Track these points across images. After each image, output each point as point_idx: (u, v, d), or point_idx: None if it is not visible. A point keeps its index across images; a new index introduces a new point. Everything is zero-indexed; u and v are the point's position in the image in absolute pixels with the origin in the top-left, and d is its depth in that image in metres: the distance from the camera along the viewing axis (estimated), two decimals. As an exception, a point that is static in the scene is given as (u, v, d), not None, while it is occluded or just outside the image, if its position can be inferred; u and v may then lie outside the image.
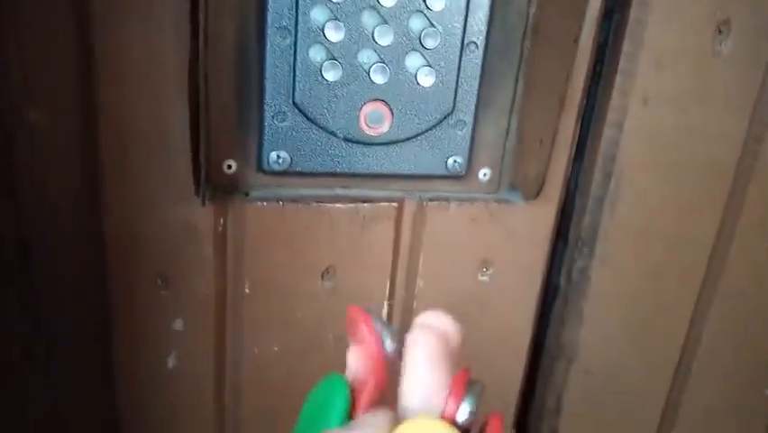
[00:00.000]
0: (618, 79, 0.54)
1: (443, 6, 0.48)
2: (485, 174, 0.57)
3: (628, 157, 0.56)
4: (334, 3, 0.46)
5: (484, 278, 0.58)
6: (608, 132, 0.55)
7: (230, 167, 0.50)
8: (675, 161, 0.57)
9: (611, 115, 0.55)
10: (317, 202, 0.51)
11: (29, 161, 0.44)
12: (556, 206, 0.58)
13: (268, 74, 0.47)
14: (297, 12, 0.46)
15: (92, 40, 0.43)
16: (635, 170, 0.56)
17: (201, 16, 0.42)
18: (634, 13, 0.52)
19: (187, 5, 0.43)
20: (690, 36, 0.53)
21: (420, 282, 0.56)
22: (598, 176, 0.57)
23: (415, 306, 0.57)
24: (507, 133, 0.56)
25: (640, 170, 0.56)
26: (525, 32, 0.53)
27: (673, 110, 0.55)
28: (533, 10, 0.53)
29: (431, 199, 0.55)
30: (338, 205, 0.52)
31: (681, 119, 0.55)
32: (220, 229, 0.50)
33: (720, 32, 0.54)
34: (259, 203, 0.50)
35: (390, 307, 0.57)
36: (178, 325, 0.52)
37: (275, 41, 0.46)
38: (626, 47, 0.53)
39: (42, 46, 0.42)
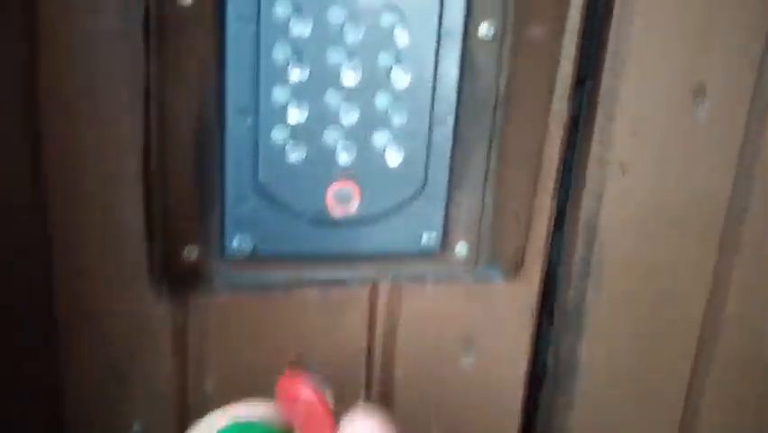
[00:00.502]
0: (594, 148, 0.52)
1: (408, 84, 0.47)
2: (461, 249, 0.54)
3: (610, 227, 0.53)
4: (296, 83, 0.44)
5: (467, 360, 0.54)
6: (586, 202, 0.53)
7: (190, 254, 0.47)
8: (658, 228, 0.55)
9: (589, 185, 0.53)
10: (285, 289, 0.48)
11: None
12: (538, 281, 0.55)
13: (228, 156, 0.45)
14: (257, 92, 0.44)
15: (40, 126, 0.41)
16: (618, 239, 0.54)
17: (154, 99, 0.41)
18: (606, 80, 0.51)
19: (141, 86, 0.41)
20: (665, 102, 0.52)
21: (398, 369, 0.53)
22: (579, 248, 0.54)
23: (394, 394, 0.53)
24: (483, 207, 0.54)
25: (623, 240, 0.54)
26: (495, 104, 0.52)
27: (653, 176, 0.53)
28: (502, 81, 0.51)
29: (406, 279, 0.52)
30: (307, 290, 0.49)
31: (662, 185, 0.54)
32: (179, 322, 0.46)
33: (696, 96, 0.53)
34: (222, 293, 0.47)
35: (367, 396, 0.53)
36: (136, 427, 0.47)
37: (235, 123, 0.44)
38: (600, 115, 0.52)
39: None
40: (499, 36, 0.50)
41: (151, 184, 0.42)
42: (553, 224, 0.55)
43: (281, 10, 0.43)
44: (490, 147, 0.53)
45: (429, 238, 0.52)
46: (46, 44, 0.39)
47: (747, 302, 0.59)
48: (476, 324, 0.54)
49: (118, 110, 0.41)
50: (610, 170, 0.52)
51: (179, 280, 0.46)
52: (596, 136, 0.52)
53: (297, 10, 0.43)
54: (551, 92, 0.50)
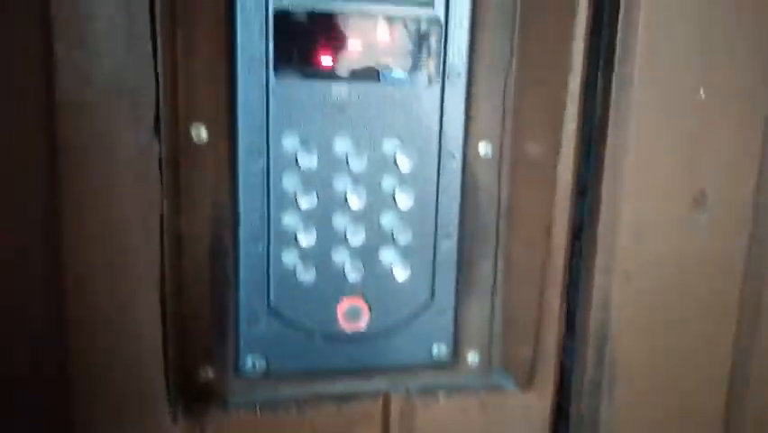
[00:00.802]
0: (599, 257, 0.53)
1: (412, 204, 0.49)
2: (473, 358, 0.55)
3: (620, 334, 0.53)
4: (304, 210, 0.47)
5: (483, 474, 0.54)
6: (595, 310, 0.53)
7: (206, 373, 0.49)
8: (671, 333, 0.55)
9: (596, 294, 0.53)
10: (299, 405, 0.49)
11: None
12: (552, 388, 0.55)
13: (242, 280, 0.47)
14: (268, 219, 0.47)
15: (62, 256, 0.43)
16: (630, 346, 0.54)
17: (169, 231, 0.43)
18: (606, 190, 0.53)
19: (156, 220, 0.44)
20: (666, 209, 0.53)
21: (414, 483, 0.52)
22: (591, 355, 0.54)
23: (411, 509, 0.53)
24: (492, 315, 0.55)
25: (635, 346, 0.54)
26: (498, 217, 0.54)
27: (659, 281, 0.54)
28: (504, 196, 0.53)
29: (418, 391, 0.52)
30: (321, 405, 0.50)
31: (669, 289, 0.54)
32: (195, 442, 0.47)
33: (697, 202, 0.54)
34: (237, 411, 0.48)
35: None
36: None
37: (248, 248, 0.47)
38: (602, 225, 0.53)
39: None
40: (498, 153, 0.52)
41: (168, 310, 0.44)
42: (563, 331, 0.55)
43: (289, 144, 0.46)
44: (496, 258, 0.54)
45: (440, 350, 0.52)
46: (67, 190, 0.42)
47: (764, 397, 0.58)
48: (490, 435, 0.53)
49: (135, 241, 0.44)
50: (615, 277, 0.53)
51: (195, 399, 0.48)
52: (599, 245, 0.53)
53: (304, 143, 0.46)
54: (551, 204, 0.52)
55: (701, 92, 0.51)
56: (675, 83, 0.50)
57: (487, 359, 0.55)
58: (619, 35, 0.49)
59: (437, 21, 0.47)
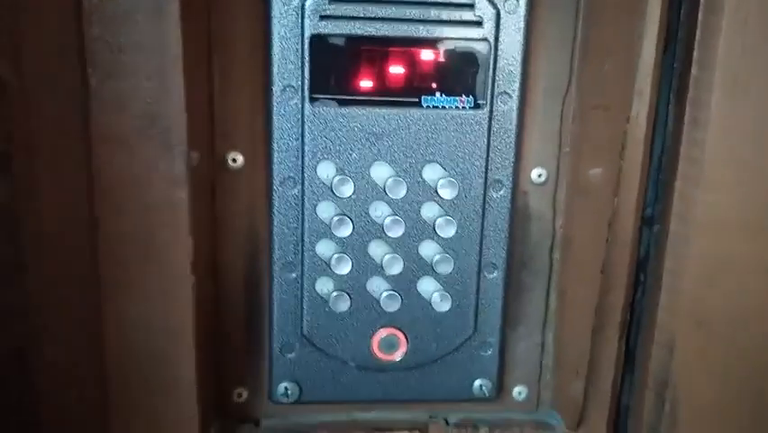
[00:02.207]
0: (664, 297, 0.48)
1: (454, 233, 0.46)
2: (520, 393, 0.52)
3: (684, 382, 0.49)
4: (340, 237, 0.46)
5: None
6: (657, 353, 0.49)
7: (240, 395, 0.49)
8: (742, 385, 0.49)
9: (659, 336, 0.48)
10: (330, 432, 0.49)
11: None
12: (605, 431, 0.51)
13: (275, 307, 0.47)
14: (302, 247, 0.46)
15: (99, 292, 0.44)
16: (694, 395, 0.49)
17: (205, 257, 0.43)
18: (675, 221, 0.47)
19: (190, 248, 0.43)
20: (746, 246, 0.47)
21: None
22: (650, 400, 0.50)
23: None
24: (543, 349, 0.52)
25: (699, 396, 0.49)
26: (551, 247, 0.50)
27: (732, 329, 0.48)
28: (558, 224, 0.50)
29: (457, 425, 0.50)
30: (353, 434, 0.49)
31: (744, 338, 0.48)
32: (227, 464, 0.48)
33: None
34: (269, 433, 0.48)
35: None
36: None
37: (282, 276, 0.46)
38: (669, 261, 0.48)
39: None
40: (553, 180, 0.49)
41: (204, 333, 0.45)
42: (621, 371, 0.51)
43: (324, 172, 0.44)
44: (549, 291, 0.51)
45: (483, 385, 0.50)
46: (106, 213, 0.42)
47: None
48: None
49: (173, 273, 0.44)
50: (682, 321, 0.48)
51: (230, 419, 0.48)
52: (665, 283, 0.48)
53: (340, 171, 0.44)
54: (612, 235, 0.47)
55: (793, 117, 0.45)
56: (760, 107, 0.44)
57: (535, 395, 0.52)
58: (696, 55, 0.43)
59: (486, 41, 0.43)
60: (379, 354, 0.48)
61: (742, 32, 0.42)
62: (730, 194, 0.46)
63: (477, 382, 0.50)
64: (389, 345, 0.48)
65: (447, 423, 0.50)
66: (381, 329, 0.48)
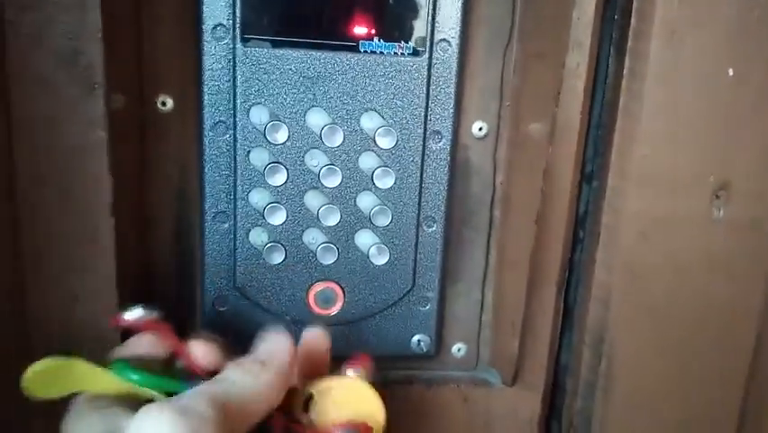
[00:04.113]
0: (600, 252, 0.48)
1: (393, 184, 0.45)
2: (459, 349, 0.52)
3: (620, 337, 0.49)
4: (274, 186, 0.44)
5: (464, 473, 0.51)
6: (593, 309, 0.49)
7: (173, 352, 0.47)
8: (677, 338, 0.50)
9: (596, 292, 0.49)
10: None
11: None
12: (542, 390, 0.51)
13: (207, 258, 0.45)
14: (234, 196, 0.44)
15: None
16: (630, 350, 0.49)
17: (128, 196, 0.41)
18: (612, 178, 0.47)
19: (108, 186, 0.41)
20: (681, 202, 0.47)
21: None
22: (587, 357, 0.50)
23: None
24: (483, 306, 0.51)
25: (636, 351, 0.49)
26: (492, 202, 0.49)
27: (665, 282, 0.48)
28: (499, 179, 0.49)
29: (394, 381, 0.50)
30: (288, 391, 0.48)
31: (678, 292, 0.49)
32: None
33: (717, 197, 0.48)
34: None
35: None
36: None
37: (213, 226, 0.45)
38: (607, 216, 0.48)
39: None
40: (494, 134, 0.48)
41: (133, 288, 0.43)
42: (558, 328, 0.51)
43: (258, 117, 0.43)
44: (488, 247, 0.50)
45: (421, 340, 0.49)
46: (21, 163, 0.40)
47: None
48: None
49: (95, 219, 0.42)
50: (617, 274, 0.48)
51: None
52: (602, 239, 0.48)
53: (274, 117, 0.43)
54: (551, 191, 0.47)
55: (730, 71, 0.45)
56: (699, 60, 0.44)
57: (475, 352, 0.52)
58: (635, 4, 0.43)
59: (425, -16, 0.42)
60: (316, 309, 0.47)
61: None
62: (666, 148, 0.46)
63: (415, 338, 0.49)
64: (326, 300, 0.47)
65: (384, 380, 0.50)
66: (317, 283, 0.47)
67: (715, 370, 0.50)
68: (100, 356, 0.34)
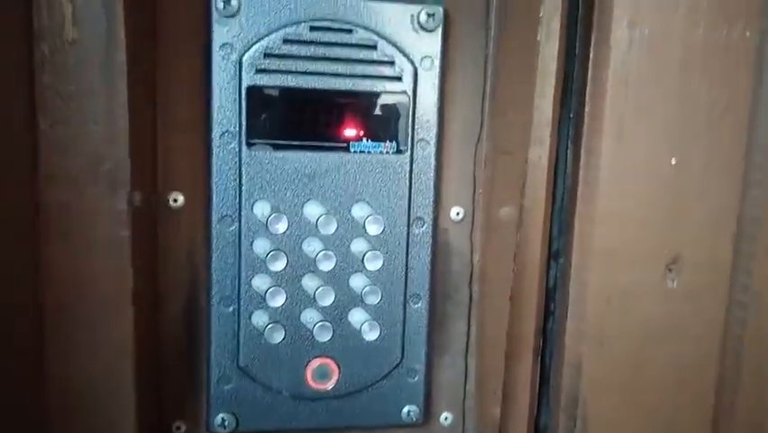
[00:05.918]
0: (570, 323, 0.53)
1: (381, 266, 0.50)
2: (446, 418, 0.55)
3: (592, 400, 0.53)
4: (275, 271, 0.49)
5: None
6: (567, 375, 0.54)
7: (179, 428, 0.50)
8: (646, 399, 0.54)
9: (568, 358, 0.53)
10: (266, 462, 0.51)
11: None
12: (525, 451, 0.55)
13: (213, 340, 0.49)
14: (239, 282, 0.49)
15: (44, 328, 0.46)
16: (602, 412, 0.53)
17: (144, 283, 0.45)
18: (576, 255, 0.53)
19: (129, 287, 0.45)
20: (638, 274, 0.53)
21: None
22: (563, 419, 0.54)
23: None
24: (466, 376, 0.56)
25: (608, 412, 0.54)
26: (471, 279, 0.55)
27: (632, 348, 0.53)
28: (476, 258, 0.54)
29: (387, 451, 0.53)
30: (289, 463, 0.51)
31: (642, 356, 0.54)
32: (163, 498, 0.49)
33: (669, 268, 0.54)
34: (206, 466, 0.50)
35: None
36: None
37: (219, 310, 0.49)
38: (573, 290, 0.53)
39: None
40: (470, 218, 0.54)
41: (144, 364, 0.46)
42: (536, 393, 0.55)
43: (260, 210, 0.48)
44: (469, 321, 0.55)
45: (411, 411, 0.53)
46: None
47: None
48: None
49: (114, 303, 0.46)
50: (587, 342, 0.53)
51: (168, 453, 0.50)
52: (570, 310, 0.53)
53: (275, 210, 0.48)
54: (522, 269, 0.52)
55: (673, 160, 0.52)
56: (645, 152, 0.51)
57: (460, 420, 0.56)
58: (587, 108, 0.50)
59: (405, 94, 0.49)
60: (313, 384, 0.51)
61: (625, 86, 0.49)
62: (621, 227, 0.52)
63: (405, 409, 0.53)
64: (322, 375, 0.51)
65: (378, 450, 0.53)
66: (315, 359, 0.51)
67: (684, 425, 0.55)
68: None
